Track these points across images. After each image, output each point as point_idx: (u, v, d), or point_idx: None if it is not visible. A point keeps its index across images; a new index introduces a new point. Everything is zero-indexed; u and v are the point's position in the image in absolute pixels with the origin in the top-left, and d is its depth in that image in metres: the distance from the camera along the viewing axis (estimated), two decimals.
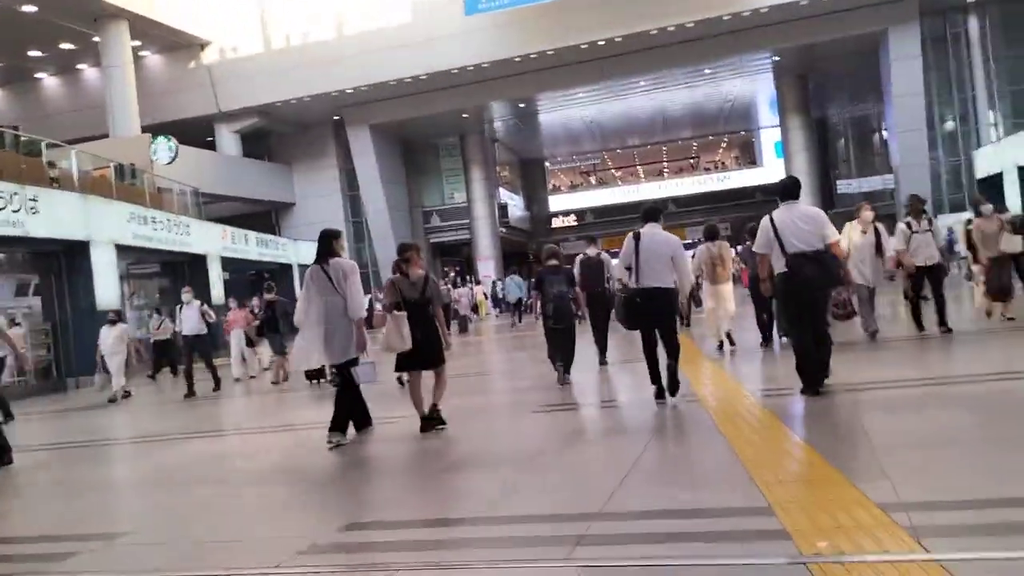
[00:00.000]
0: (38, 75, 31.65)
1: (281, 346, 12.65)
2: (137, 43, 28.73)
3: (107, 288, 17.14)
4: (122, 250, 18.37)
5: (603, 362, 10.16)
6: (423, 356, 6.62)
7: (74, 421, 11.80)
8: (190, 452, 7.60)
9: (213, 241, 23.60)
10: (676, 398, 6.70)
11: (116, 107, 26.21)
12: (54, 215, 15.78)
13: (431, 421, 6.60)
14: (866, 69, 29.93)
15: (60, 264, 16.79)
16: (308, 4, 29.16)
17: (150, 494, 5.90)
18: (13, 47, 28.18)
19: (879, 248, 9.49)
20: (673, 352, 6.73)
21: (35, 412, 13.01)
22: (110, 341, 12.85)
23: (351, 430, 6.75)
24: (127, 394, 13.22)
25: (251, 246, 26.84)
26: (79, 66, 30.72)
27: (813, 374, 6.27)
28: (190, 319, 12.50)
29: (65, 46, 28.60)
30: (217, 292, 23.33)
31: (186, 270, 22.94)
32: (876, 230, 9.54)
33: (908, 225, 9.67)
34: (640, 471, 4.50)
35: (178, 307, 12.94)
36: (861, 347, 9.06)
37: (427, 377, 6.83)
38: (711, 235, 10.42)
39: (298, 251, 31.83)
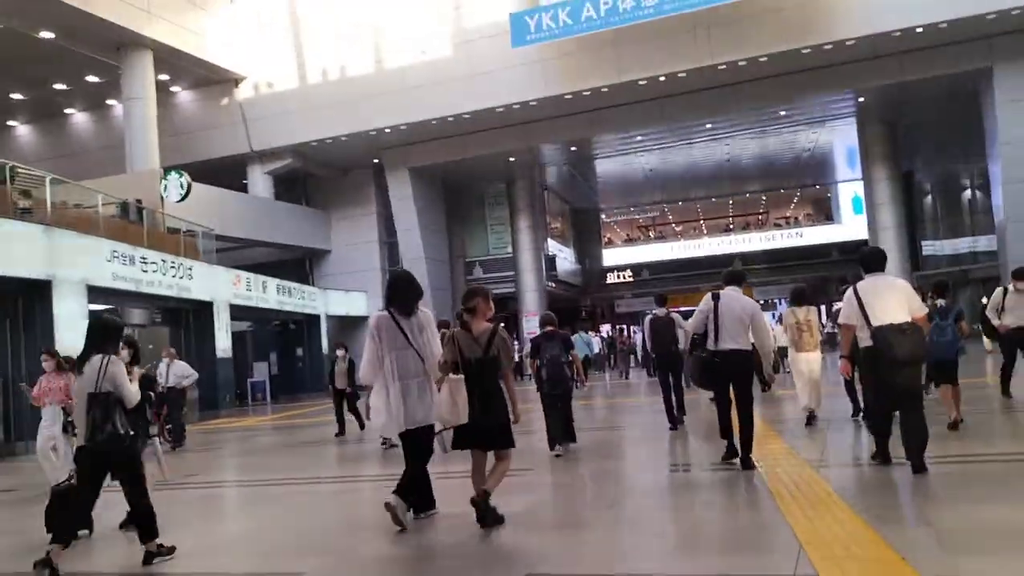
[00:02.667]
0: (67, 111, 30.38)
1: None
2: (165, 77, 27.19)
3: (74, 336, 14.67)
4: (100, 293, 16.01)
5: (675, 427, 9.84)
6: (483, 433, 5.36)
7: None
8: None
9: (222, 287, 21.26)
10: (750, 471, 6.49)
11: (135, 141, 24.39)
12: (5, 250, 13.48)
13: (485, 512, 5.30)
14: (961, 116, 26.55)
15: (17, 307, 14.44)
16: (345, 37, 27.22)
17: None
18: (37, 79, 26.85)
19: None
20: (747, 419, 6.74)
21: None
22: None
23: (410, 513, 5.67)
24: None
25: (270, 294, 24.49)
26: (108, 102, 29.31)
27: (886, 444, 6.36)
28: None
29: (91, 79, 27.16)
30: (223, 344, 20.90)
31: (189, 319, 20.62)
32: None
33: None
34: None
35: None
36: None
37: None
38: (798, 298, 9.76)
39: (328, 301, 29.54)
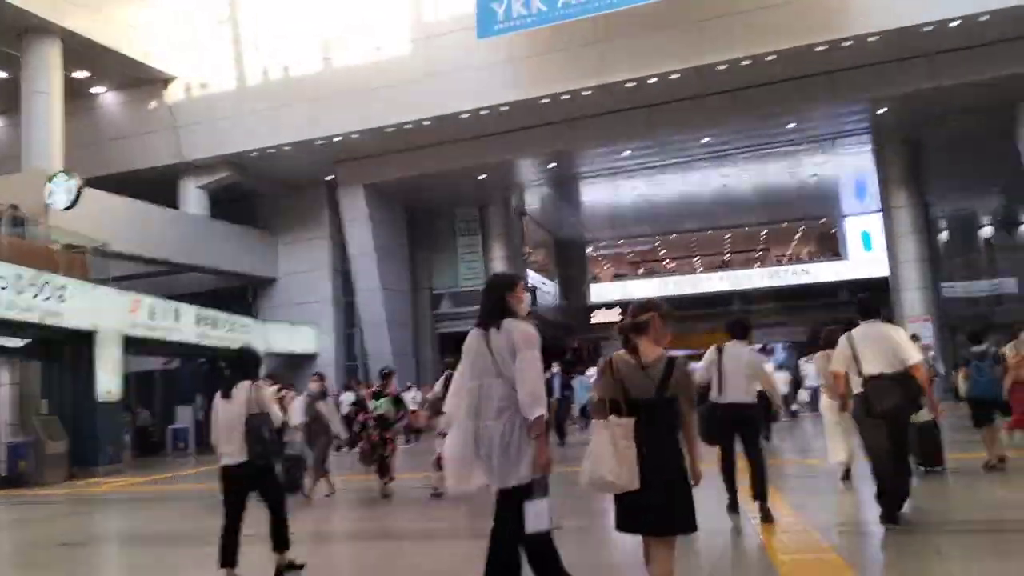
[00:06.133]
0: None
1: None
2: (85, 74, 23.72)
3: None
4: None
5: None
6: (655, 508, 3.61)
7: None
8: None
9: (111, 313, 17.34)
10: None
11: (33, 141, 20.70)
12: None
13: None
14: (989, 136, 23.20)
15: None
16: (290, 32, 23.77)
17: None
18: None
19: None
20: (759, 467, 6.62)
21: None
22: None
23: None
24: None
25: (186, 324, 20.54)
26: None
27: (894, 502, 6.17)
28: None
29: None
30: (107, 385, 16.89)
31: (64, 352, 16.71)
32: None
33: None
34: None
35: None
36: None
37: None
38: (831, 342, 8.46)
39: (267, 335, 25.56)
